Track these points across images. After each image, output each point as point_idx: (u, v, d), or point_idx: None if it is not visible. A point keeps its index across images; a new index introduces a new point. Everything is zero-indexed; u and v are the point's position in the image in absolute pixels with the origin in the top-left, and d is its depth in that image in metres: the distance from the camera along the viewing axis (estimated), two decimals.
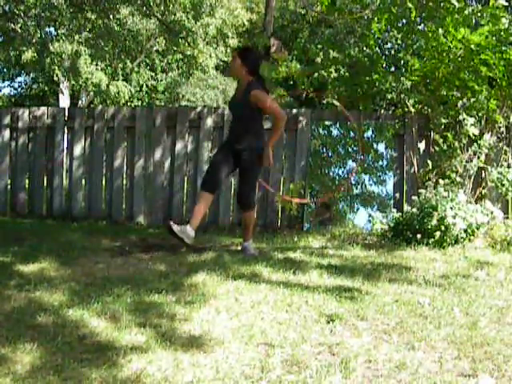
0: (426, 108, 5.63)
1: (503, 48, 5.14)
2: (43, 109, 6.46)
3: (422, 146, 5.57)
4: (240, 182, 4.54)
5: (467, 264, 3.93)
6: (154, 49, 18.94)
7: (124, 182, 6.26)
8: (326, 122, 5.97)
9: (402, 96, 5.61)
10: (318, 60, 6.36)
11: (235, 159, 4.42)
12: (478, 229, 4.57)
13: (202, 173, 5.96)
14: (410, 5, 5.16)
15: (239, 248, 4.77)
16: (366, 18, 5.89)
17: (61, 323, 2.61)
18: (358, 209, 5.82)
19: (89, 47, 15.32)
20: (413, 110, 5.62)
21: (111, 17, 12.49)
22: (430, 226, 4.46)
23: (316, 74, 6.24)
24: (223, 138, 5.94)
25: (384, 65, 5.92)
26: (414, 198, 4.96)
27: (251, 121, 4.37)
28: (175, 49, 16.33)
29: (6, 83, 24.24)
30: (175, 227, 4.24)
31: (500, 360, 2.24)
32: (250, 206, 4.46)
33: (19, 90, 24.81)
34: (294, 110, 6.04)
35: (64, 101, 18.94)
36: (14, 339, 2.38)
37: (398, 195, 5.65)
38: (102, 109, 6.52)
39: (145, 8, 12.53)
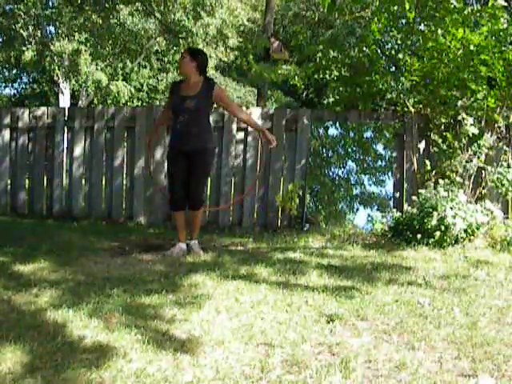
0: (425, 108, 5.62)
1: (502, 48, 5.14)
2: (43, 109, 6.46)
3: (421, 146, 5.57)
4: (194, 182, 4.43)
5: (467, 264, 3.93)
6: (154, 49, 18.94)
7: (124, 182, 6.26)
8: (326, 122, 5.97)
9: (402, 96, 5.60)
10: (317, 59, 6.36)
11: (188, 162, 4.37)
12: (478, 229, 4.57)
13: None
14: (407, 6, 5.16)
15: (239, 248, 4.77)
16: (366, 18, 5.89)
17: (61, 323, 2.61)
18: (357, 209, 5.83)
19: (89, 47, 15.30)
20: (413, 109, 5.63)
21: (111, 17, 12.47)
22: (430, 226, 4.46)
23: (316, 74, 6.24)
24: (223, 137, 5.95)
25: (384, 65, 5.91)
26: (414, 198, 4.96)
27: (206, 118, 4.44)
28: (175, 49, 16.32)
29: (7, 83, 24.23)
30: (169, 254, 4.34)
31: (500, 360, 2.24)
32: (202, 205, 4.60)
33: (19, 89, 24.83)
34: (294, 110, 6.04)
35: (64, 101, 18.92)
36: (14, 339, 2.38)
37: (397, 195, 5.65)
38: (102, 109, 6.52)
39: (145, 8, 12.51)
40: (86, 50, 15.89)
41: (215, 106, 5.59)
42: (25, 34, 14.87)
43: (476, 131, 5.20)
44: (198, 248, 4.45)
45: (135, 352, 2.28)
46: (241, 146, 5.96)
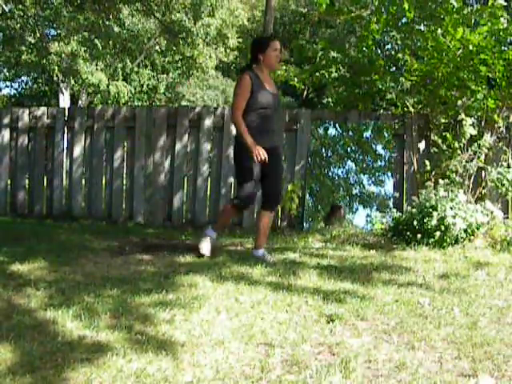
0: (425, 108, 5.62)
1: (502, 48, 5.14)
2: (43, 109, 6.47)
3: (421, 146, 5.57)
4: (276, 180, 4.25)
5: (467, 264, 3.93)
6: (155, 49, 18.96)
7: (124, 182, 6.26)
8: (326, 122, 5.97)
9: (402, 96, 5.60)
10: (317, 59, 6.36)
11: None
12: (478, 229, 4.57)
13: (202, 173, 5.98)
14: (406, 6, 5.15)
15: (239, 248, 4.77)
16: (366, 18, 5.87)
17: (61, 323, 2.61)
18: (357, 209, 5.82)
19: (88, 47, 15.31)
20: (412, 109, 5.62)
21: (111, 17, 12.49)
22: (429, 226, 4.46)
23: (316, 74, 6.23)
24: (223, 138, 5.95)
25: (384, 65, 5.91)
26: (414, 198, 4.96)
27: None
28: (174, 49, 16.33)
29: (7, 83, 24.26)
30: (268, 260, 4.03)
31: (500, 360, 2.23)
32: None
33: (19, 89, 24.85)
34: (294, 110, 6.04)
35: (64, 101, 18.93)
36: (13, 339, 2.38)
37: (397, 195, 5.65)
38: (101, 109, 6.53)
39: (145, 8, 12.53)
40: (85, 51, 15.90)
41: (215, 105, 5.58)
42: (24, 34, 14.89)
43: (474, 132, 5.20)
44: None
45: (135, 352, 2.28)
46: None
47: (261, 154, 3.98)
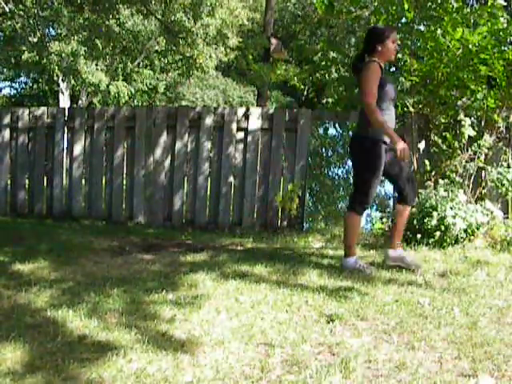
0: (425, 108, 5.62)
1: (502, 48, 5.14)
2: (43, 109, 6.47)
3: (421, 146, 5.56)
4: (410, 172, 4.09)
5: (467, 264, 3.93)
6: (155, 49, 18.96)
7: (124, 181, 6.26)
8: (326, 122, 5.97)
9: (401, 96, 5.60)
10: (316, 59, 6.36)
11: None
12: (478, 229, 4.57)
13: (203, 172, 5.98)
14: (406, 6, 5.15)
15: (239, 248, 4.77)
16: (365, 18, 5.88)
17: (61, 323, 2.61)
18: None
19: (88, 47, 15.30)
20: (412, 109, 5.62)
21: (111, 17, 12.47)
22: (430, 226, 4.46)
23: (316, 74, 6.24)
24: (223, 137, 5.94)
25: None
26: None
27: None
28: (174, 49, 16.32)
29: (6, 83, 24.28)
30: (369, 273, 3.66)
31: (500, 360, 2.24)
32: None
33: (19, 90, 24.86)
34: (294, 110, 6.04)
35: (64, 101, 18.93)
36: (14, 339, 2.38)
37: (397, 195, 5.64)
38: (101, 109, 6.53)
39: (144, 8, 12.51)
40: (85, 51, 15.91)
41: (215, 105, 5.57)
42: (24, 33, 14.89)
43: (473, 133, 5.19)
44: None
45: (135, 352, 2.29)
46: (241, 146, 5.96)
47: (406, 150, 3.53)
